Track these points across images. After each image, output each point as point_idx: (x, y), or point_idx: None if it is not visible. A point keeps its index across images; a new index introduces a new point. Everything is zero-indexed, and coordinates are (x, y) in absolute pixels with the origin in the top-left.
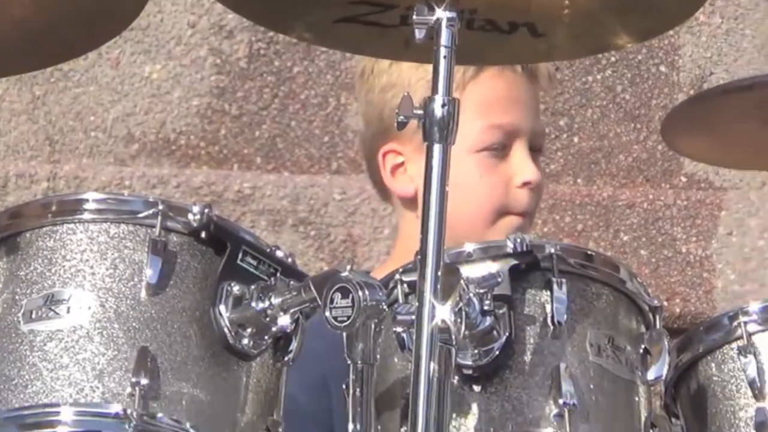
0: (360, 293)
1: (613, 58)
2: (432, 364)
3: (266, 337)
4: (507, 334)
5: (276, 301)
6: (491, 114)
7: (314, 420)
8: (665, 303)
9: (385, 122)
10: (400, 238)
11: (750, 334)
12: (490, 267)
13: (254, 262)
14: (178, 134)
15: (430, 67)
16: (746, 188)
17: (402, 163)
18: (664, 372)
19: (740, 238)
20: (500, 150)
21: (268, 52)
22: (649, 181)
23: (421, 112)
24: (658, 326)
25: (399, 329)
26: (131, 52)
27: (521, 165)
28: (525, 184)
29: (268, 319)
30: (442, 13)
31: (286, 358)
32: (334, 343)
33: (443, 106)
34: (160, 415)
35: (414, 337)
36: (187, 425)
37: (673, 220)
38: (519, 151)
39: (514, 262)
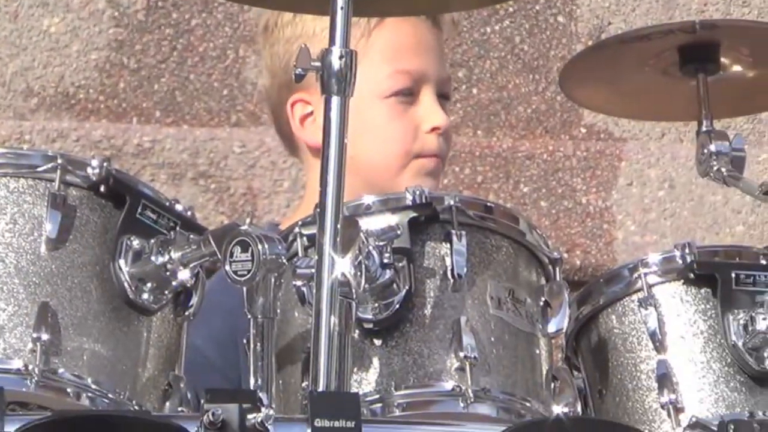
0: (259, 247)
1: (510, 9)
2: (332, 318)
3: (166, 292)
4: (407, 287)
5: (176, 255)
6: (398, 59)
7: (223, 374)
8: (565, 255)
9: (290, 73)
10: (308, 190)
11: (650, 286)
12: (389, 219)
13: (154, 216)
14: (77, 88)
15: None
16: (646, 139)
17: (311, 113)
18: (565, 324)
19: (640, 189)
20: (408, 96)
21: (166, 5)
22: (548, 132)
23: (318, 64)
24: (558, 278)
25: (299, 283)
26: (29, 5)
27: (430, 111)
28: (434, 129)
29: (168, 273)
30: None
31: (186, 313)
32: (240, 301)
33: (341, 57)
34: (61, 370)
35: (314, 291)
36: (89, 380)
37: (572, 171)
38: (427, 97)
39: (413, 214)
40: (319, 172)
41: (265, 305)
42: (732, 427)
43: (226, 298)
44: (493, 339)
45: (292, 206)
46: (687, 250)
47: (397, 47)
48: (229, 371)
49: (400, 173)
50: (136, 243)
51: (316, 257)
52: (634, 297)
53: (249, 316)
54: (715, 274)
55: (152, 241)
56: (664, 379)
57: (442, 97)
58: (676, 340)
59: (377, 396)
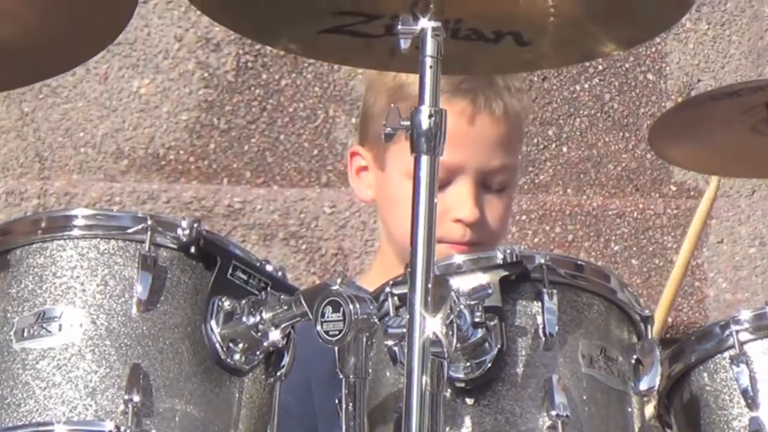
0: (351, 307)
1: (600, 67)
2: (424, 378)
3: (258, 352)
4: (499, 346)
5: (267, 315)
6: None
7: (300, 422)
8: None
9: (360, 121)
10: (380, 246)
11: (742, 343)
12: (480, 278)
13: (244, 277)
14: (167, 149)
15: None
16: (736, 196)
17: (365, 167)
18: (657, 382)
19: (731, 246)
20: (441, 184)
21: (255, 65)
22: (638, 190)
23: (407, 123)
24: (649, 336)
25: (390, 342)
26: (119, 66)
27: (459, 201)
28: (457, 221)
29: (259, 334)
30: (426, 23)
31: (278, 373)
32: (317, 348)
33: (430, 117)
34: (153, 431)
35: (405, 351)
36: None
37: (663, 229)
38: (460, 188)
39: (504, 273)
40: (383, 229)
41: (357, 365)
42: None
43: (300, 348)
44: (585, 397)
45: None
46: None
47: None
48: (304, 419)
49: None
50: (227, 304)
51: (408, 317)
52: (726, 354)
53: (341, 376)
54: None
55: (243, 301)
56: None
57: (487, 186)
58: None
59: None
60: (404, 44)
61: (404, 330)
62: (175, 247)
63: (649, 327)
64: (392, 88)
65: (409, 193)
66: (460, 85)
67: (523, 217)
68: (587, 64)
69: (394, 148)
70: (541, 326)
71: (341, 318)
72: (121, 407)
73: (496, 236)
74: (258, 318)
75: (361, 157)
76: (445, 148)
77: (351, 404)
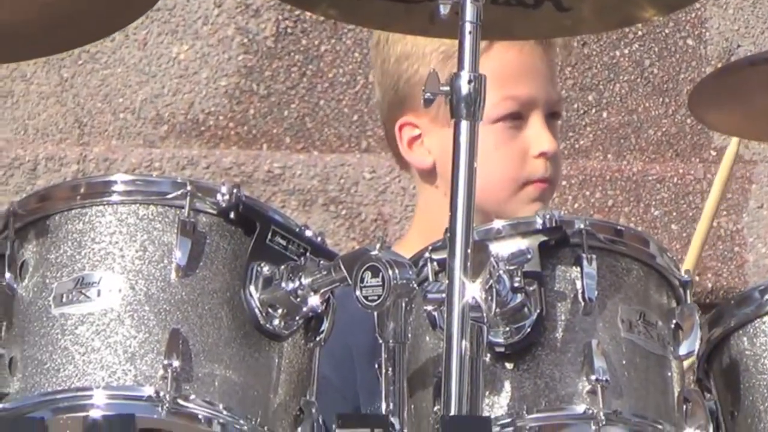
0: (390, 272)
1: (640, 32)
2: (463, 343)
3: (297, 318)
4: (538, 311)
5: (306, 281)
6: (506, 85)
7: (341, 393)
8: (697, 278)
9: (400, 93)
10: (418, 211)
11: None
12: (519, 243)
13: (284, 242)
14: (207, 115)
15: (445, 39)
16: None
17: (419, 136)
18: (696, 347)
19: None
20: (516, 120)
21: (295, 31)
22: (678, 156)
23: (447, 88)
24: (688, 301)
25: (429, 308)
26: (158, 32)
27: (537, 136)
28: (541, 154)
29: (298, 299)
30: None
31: (317, 338)
32: (357, 318)
33: (470, 82)
34: (192, 396)
35: (445, 316)
36: (220, 407)
37: (703, 194)
38: (535, 122)
39: (543, 238)
40: (427, 194)
41: (396, 330)
42: None
43: (340, 317)
44: (624, 362)
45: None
46: None
47: (505, 73)
48: (347, 390)
49: (509, 200)
50: (266, 269)
51: (447, 282)
52: (765, 318)
53: (380, 341)
54: None
55: (282, 267)
56: None
57: (552, 116)
58: None
59: (509, 420)
60: (444, 10)
61: (443, 295)
62: (214, 212)
63: (688, 291)
64: (439, 47)
65: (492, 137)
66: None
67: (564, 183)
68: (627, 29)
69: None
70: (580, 291)
71: (380, 283)
72: (161, 372)
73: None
74: (297, 283)
75: (412, 127)
76: (518, 83)
77: (390, 369)
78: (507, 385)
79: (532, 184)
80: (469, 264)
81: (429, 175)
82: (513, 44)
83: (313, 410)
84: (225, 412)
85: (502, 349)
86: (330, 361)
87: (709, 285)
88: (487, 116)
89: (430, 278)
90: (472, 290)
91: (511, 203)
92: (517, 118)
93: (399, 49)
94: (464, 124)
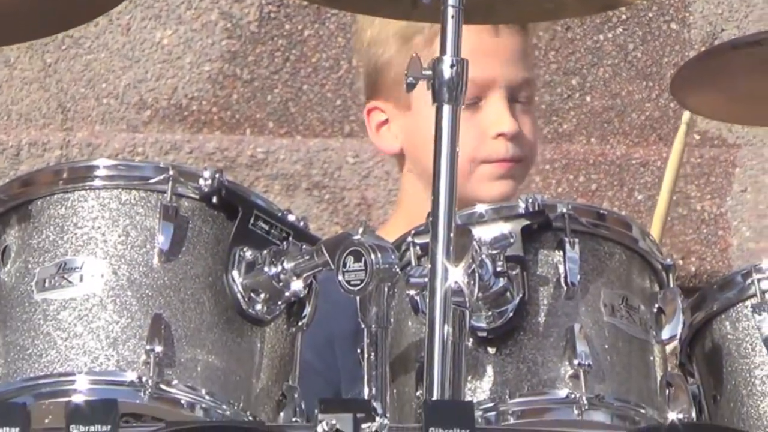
0: (372, 256)
1: (623, 16)
2: (446, 327)
3: (279, 302)
4: (520, 295)
5: (288, 265)
6: None
7: (325, 378)
8: (680, 262)
9: (370, 78)
10: (401, 196)
11: (764, 292)
12: (502, 228)
13: (266, 227)
14: (190, 100)
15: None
16: (759, 144)
17: (386, 121)
18: (679, 331)
19: (755, 195)
20: (474, 102)
21: (278, 16)
22: (662, 140)
23: (429, 72)
24: (671, 285)
25: (412, 292)
26: (141, 17)
27: (496, 116)
28: (499, 135)
29: (281, 284)
30: None
31: (299, 323)
32: (339, 304)
33: (452, 66)
34: (175, 382)
35: (427, 300)
36: (202, 392)
37: (687, 178)
38: (494, 103)
39: (526, 222)
40: (404, 178)
41: (379, 315)
42: None
43: (322, 304)
44: (606, 346)
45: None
46: None
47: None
48: (329, 375)
49: (467, 179)
50: (248, 254)
51: (429, 266)
52: (748, 303)
53: (363, 326)
54: None
55: (265, 251)
56: None
57: (518, 101)
58: None
59: (491, 404)
60: None
61: (426, 280)
62: (196, 197)
63: (671, 276)
64: (398, 30)
65: None
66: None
67: (547, 167)
68: (610, 13)
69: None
70: (563, 275)
71: (363, 268)
72: (143, 357)
73: (534, 150)
74: (279, 268)
75: (379, 111)
76: (472, 65)
77: (373, 354)
78: (489, 370)
79: (490, 164)
80: (451, 248)
81: (400, 160)
82: (471, 27)
83: (296, 395)
84: (207, 397)
85: (484, 334)
86: (311, 346)
87: (693, 269)
88: None
89: (413, 263)
90: (455, 275)
91: (470, 184)
92: (473, 99)
93: (369, 34)
94: (446, 109)
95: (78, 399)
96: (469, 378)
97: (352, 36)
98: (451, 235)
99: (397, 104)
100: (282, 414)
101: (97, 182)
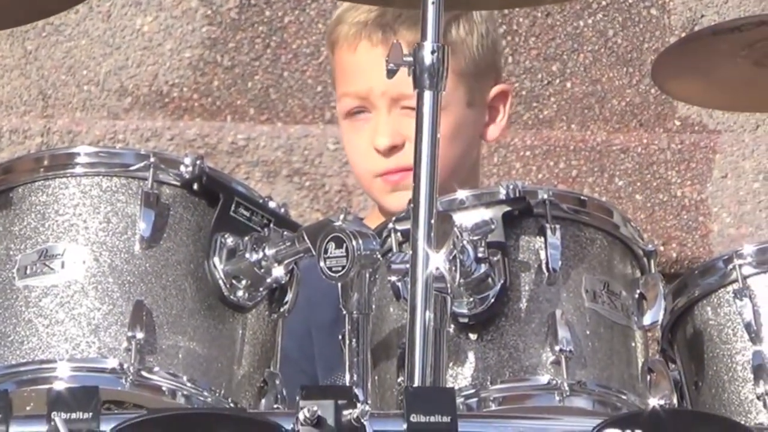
0: (354, 243)
1: (603, 2)
2: (427, 313)
3: (261, 289)
4: (502, 281)
5: (270, 252)
6: (343, 82)
7: (300, 367)
8: (661, 248)
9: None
10: None
11: (745, 277)
12: (483, 214)
13: (247, 213)
14: (171, 86)
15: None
16: (740, 130)
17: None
18: (660, 317)
19: (735, 181)
20: (362, 113)
21: (258, 2)
22: (642, 126)
23: (410, 59)
24: (653, 271)
25: (393, 278)
26: (122, 4)
27: (374, 130)
28: (376, 149)
29: (262, 270)
30: None
31: (281, 310)
32: (318, 293)
33: (433, 52)
34: (156, 368)
35: (409, 286)
36: (184, 378)
37: (667, 164)
38: (375, 116)
39: (507, 208)
40: None
41: (360, 301)
42: None
43: (301, 295)
44: (588, 332)
45: None
46: None
47: (342, 71)
48: (305, 364)
49: (371, 191)
50: (230, 240)
51: (411, 252)
52: (729, 288)
53: (344, 312)
54: None
55: (246, 238)
56: (760, 370)
57: (405, 107)
58: None
59: (473, 390)
60: None
61: (407, 266)
62: (177, 184)
63: (652, 261)
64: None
65: (344, 131)
66: (377, 19)
67: (527, 153)
68: None
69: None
70: (544, 261)
71: (344, 254)
72: (125, 344)
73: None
74: (261, 254)
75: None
76: (351, 79)
77: (354, 340)
78: (471, 356)
79: (382, 177)
80: (432, 234)
81: None
82: (350, 44)
83: (277, 381)
84: (189, 384)
85: (465, 320)
86: (289, 335)
87: (674, 255)
88: (339, 112)
89: (394, 249)
90: (436, 261)
91: (373, 193)
92: (361, 112)
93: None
94: (427, 95)
95: (59, 386)
96: (451, 364)
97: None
98: (433, 221)
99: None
100: (263, 401)
101: (78, 169)
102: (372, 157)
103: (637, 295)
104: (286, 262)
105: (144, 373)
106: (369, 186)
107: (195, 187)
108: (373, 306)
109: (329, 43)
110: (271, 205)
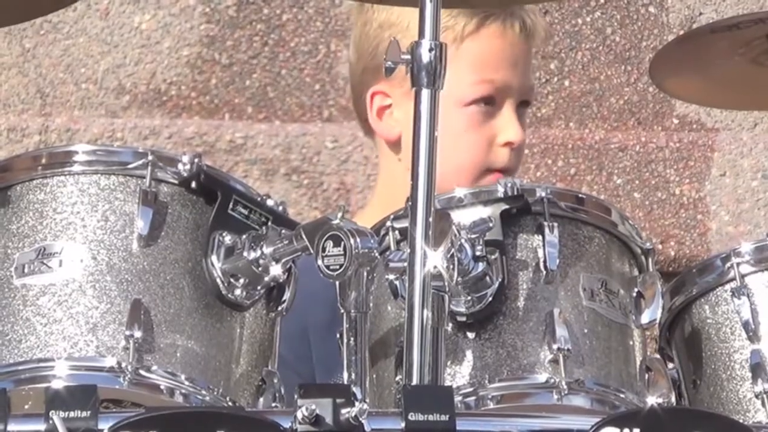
0: (351, 241)
1: (602, 0)
2: (425, 312)
3: (259, 287)
4: (500, 279)
5: (268, 250)
6: (485, 69)
7: (295, 370)
8: (660, 246)
9: (377, 60)
10: (380, 181)
11: (743, 276)
12: (481, 212)
13: (245, 212)
14: (169, 85)
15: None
16: (738, 129)
17: (389, 106)
18: (658, 315)
19: (733, 179)
20: (489, 105)
21: (256, 0)
22: (641, 124)
23: (408, 57)
24: (651, 269)
25: (391, 277)
26: (120, 2)
27: (507, 124)
28: (507, 143)
29: (260, 268)
30: None
31: (279, 308)
32: (314, 293)
33: (430, 50)
34: (154, 367)
35: (407, 285)
36: (182, 377)
37: (665, 162)
38: (507, 110)
39: (505, 206)
40: (390, 163)
41: (358, 299)
42: None
43: (297, 296)
44: (586, 330)
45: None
46: None
47: (486, 57)
48: (300, 366)
49: (470, 184)
50: (228, 239)
51: (409, 251)
52: (727, 287)
53: (342, 311)
54: None
55: (244, 236)
56: (758, 368)
57: (522, 104)
58: None
59: (471, 389)
60: None
61: (405, 264)
62: (175, 182)
63: (650, 260)
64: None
65: (463, 119)
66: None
67: (526, 151)
68: None
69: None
70: (542, 260)
71: (342, 252)
72: (122, 343)
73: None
74: (259, 253)
75: (384, 96)
76: (497, 68)
77: (352, 339)
78: (469, 355)
79: (491, 173)
80: (430, 232)
81: (394, 146)
82: (502, 32)
83: (275, 380)
84: (187, 383)
85: (463, 319)
86: (283, 337)
87: (672, 253)
88: (461, 98)
89: (392, 247)
90: (434, 259)
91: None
92: (489, 102)
93: (384, 15)
94: (425, 93)
95: (57, 384)
96: (449, 363)
97: (357, 10)
98: (430, 219)
99: (407, 92)
100: (261, 399)
101: (76, 167)
102: (495, 151)
103: (635, 294)
104: (284, 260)
105: (142, 372)
106: (470, 180)
107: (193, 185)
108: (371, 304)
109: (472, 25)
110: (269, 203)
